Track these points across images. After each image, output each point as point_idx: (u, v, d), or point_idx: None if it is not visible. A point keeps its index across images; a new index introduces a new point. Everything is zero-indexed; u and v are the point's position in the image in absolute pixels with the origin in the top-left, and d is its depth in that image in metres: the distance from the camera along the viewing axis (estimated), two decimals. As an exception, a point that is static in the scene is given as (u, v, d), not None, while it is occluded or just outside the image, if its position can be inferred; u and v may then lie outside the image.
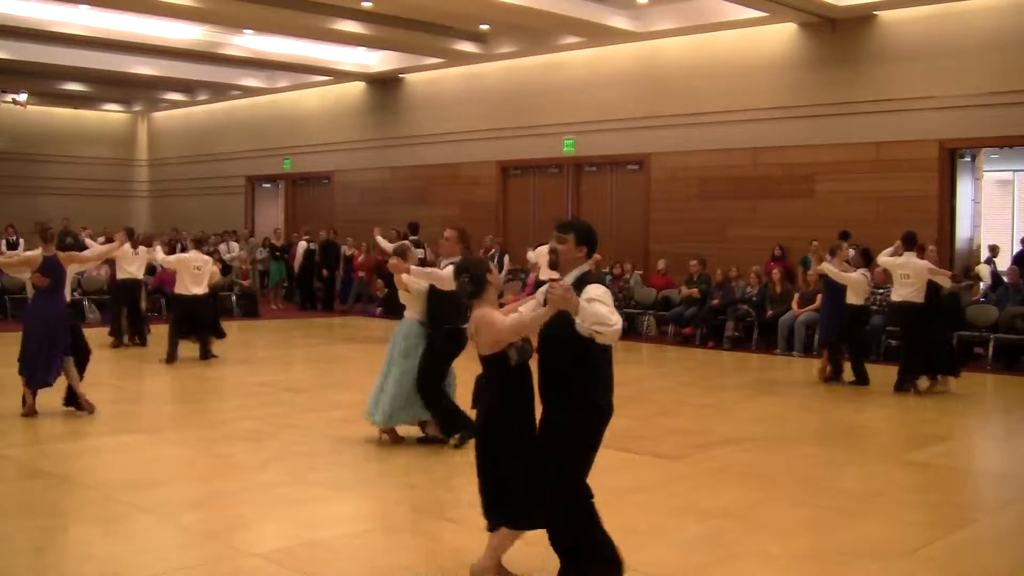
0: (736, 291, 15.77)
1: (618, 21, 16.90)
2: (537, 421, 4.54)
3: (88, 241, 14.77)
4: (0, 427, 8.21)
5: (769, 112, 16.42)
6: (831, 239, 14.41)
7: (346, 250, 20.90)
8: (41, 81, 24.55)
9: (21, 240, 20.32)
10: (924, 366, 10.92)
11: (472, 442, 4.86)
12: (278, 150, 25.38)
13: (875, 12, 15.23)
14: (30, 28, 18.48)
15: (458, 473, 6.97)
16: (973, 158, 15.98)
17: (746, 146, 16.72)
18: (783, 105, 16.28)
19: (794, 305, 14.57)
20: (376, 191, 22.79)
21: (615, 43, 17.96)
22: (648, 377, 12.34)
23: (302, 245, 21.19)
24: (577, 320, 4.17)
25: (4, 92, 24.46)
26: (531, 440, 4.47)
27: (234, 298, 19.54)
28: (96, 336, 12.46)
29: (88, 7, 17.56)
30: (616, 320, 4.19)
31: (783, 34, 16.35)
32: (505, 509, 4.47)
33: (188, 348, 12.67)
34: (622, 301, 16.07)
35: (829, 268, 11.42)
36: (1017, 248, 15.57)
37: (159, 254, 13.02)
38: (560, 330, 4.28)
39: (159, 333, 13.79)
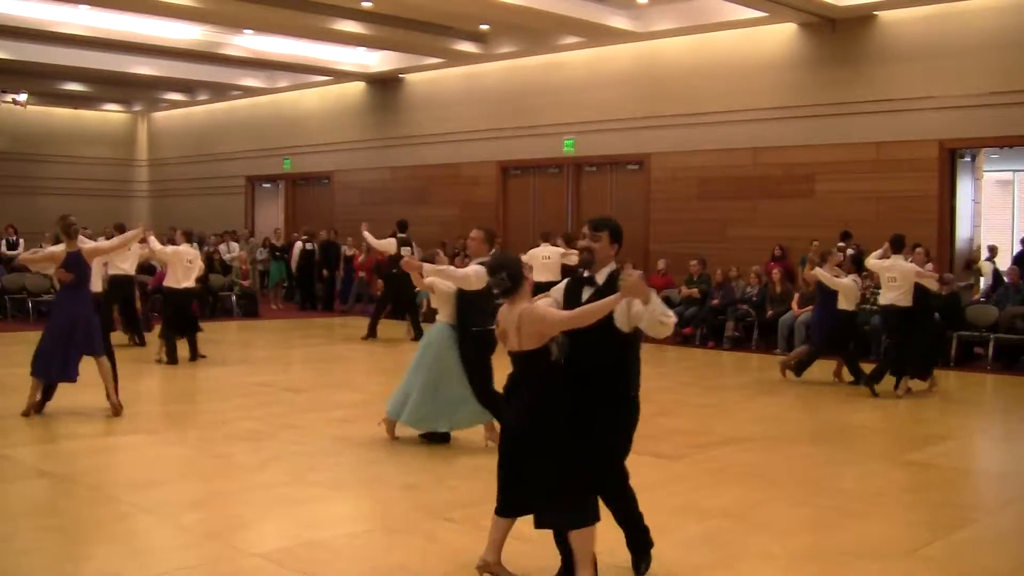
0: (736, 291, 15.77)
1: (618, 21, 16.90)
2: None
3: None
4: (1, 427, 8.20)
5: (769, 112, 16.42)
6: (831, 239, 14.39)
7: (346, 250, 20.89)
8: (41, 81, 24.54)
9: (21, 240, 20.28)
10: (911, 367, 10.82)
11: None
12: (278, 150, 25.37)
13: (875, 12, 15.23)
14: (30, 28, 18.47)
15: (458, 473, 6.98)
16: (973, 158, 15.96)
17: (746, 146, 16.72)
18: (783, 105, 16.29)
19: (794, 305, 14.55)
20: (376, 191, 22.78)
21: (615, 43, 17.97)
22: (648, 377, 12.13)
23: (299, 245, 21.19)
24: (617, 314, 4.28)
25: (4, 92, 24.47)
26: (574, 437, 4.40)
27: (234, 298, 19.53)
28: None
29: (88, 7, 17.56)
30: (672, 312, 4.48)
31: (783, 34, 16.35)
32: (561, 507, 4.32)
33: (182, 348, 12.64)
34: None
35: (821, 273, 11.36)
36: (1017, 248, 15.57)
37: (155, 243, 12.92)
38: (600, 325, 4.29)
39: (158, 333, 13.74)
